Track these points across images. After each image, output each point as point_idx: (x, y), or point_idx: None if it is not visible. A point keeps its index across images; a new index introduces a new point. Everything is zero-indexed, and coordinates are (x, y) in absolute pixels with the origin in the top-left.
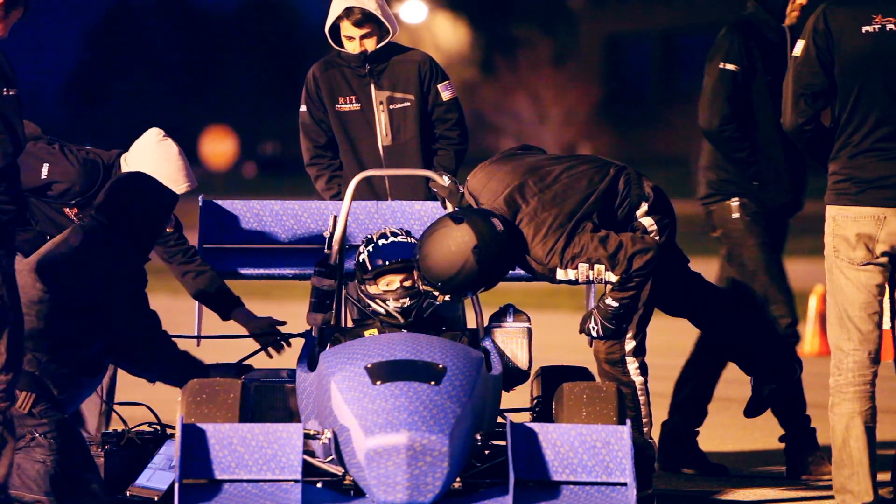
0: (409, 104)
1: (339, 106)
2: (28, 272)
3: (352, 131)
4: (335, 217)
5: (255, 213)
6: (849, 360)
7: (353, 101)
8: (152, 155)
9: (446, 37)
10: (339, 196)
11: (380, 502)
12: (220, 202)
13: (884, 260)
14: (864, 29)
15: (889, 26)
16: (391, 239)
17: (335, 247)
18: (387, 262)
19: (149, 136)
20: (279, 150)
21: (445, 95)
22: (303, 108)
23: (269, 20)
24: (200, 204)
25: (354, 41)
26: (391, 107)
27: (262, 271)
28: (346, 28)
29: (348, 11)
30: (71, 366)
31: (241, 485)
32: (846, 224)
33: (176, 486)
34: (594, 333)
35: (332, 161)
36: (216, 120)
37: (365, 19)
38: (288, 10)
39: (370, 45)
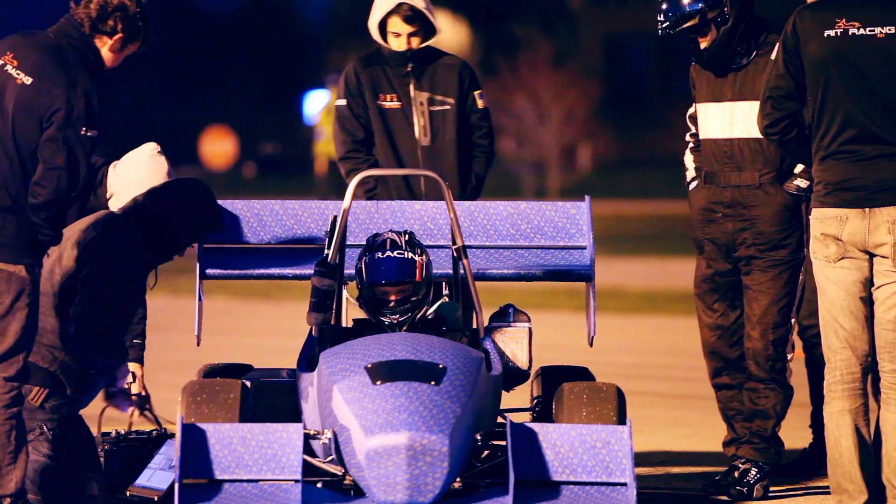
0: (448, 107)
1: (381, 102)
2: (53, 262)
3: (392, 128)
4: (335, 217)
5: (255, 213)
6: (837, 359)
7: (395, 100)
8: (143, 168)
9: (446, 37)
10: (372, 191)
11: (380, 502)
12: (219, 202)
13: (857, 256)
14: (827, 33)
15: (852, 31)
16: (387, 254)
17: (335, 247)
18: (382, 282)
19: (143, 150)
20: (279, 150)
21: (480, 104)
22: (342, 101)
23: (269, 20)
24: None
25: (401, 38)
26: (431, 108)
27: (262, 271)
28: (395, 24)
29: (398, 7)
30: (87, 362)
31: (241, 485)
32: (815, 225)
33: (176, 486)
34: (801, 185)
35: (367, 157)
36: (216, 120)
37: (414, 16)
38: (288, 10)
39: (416, 43)
